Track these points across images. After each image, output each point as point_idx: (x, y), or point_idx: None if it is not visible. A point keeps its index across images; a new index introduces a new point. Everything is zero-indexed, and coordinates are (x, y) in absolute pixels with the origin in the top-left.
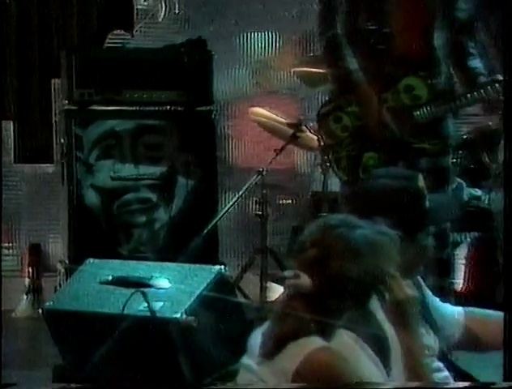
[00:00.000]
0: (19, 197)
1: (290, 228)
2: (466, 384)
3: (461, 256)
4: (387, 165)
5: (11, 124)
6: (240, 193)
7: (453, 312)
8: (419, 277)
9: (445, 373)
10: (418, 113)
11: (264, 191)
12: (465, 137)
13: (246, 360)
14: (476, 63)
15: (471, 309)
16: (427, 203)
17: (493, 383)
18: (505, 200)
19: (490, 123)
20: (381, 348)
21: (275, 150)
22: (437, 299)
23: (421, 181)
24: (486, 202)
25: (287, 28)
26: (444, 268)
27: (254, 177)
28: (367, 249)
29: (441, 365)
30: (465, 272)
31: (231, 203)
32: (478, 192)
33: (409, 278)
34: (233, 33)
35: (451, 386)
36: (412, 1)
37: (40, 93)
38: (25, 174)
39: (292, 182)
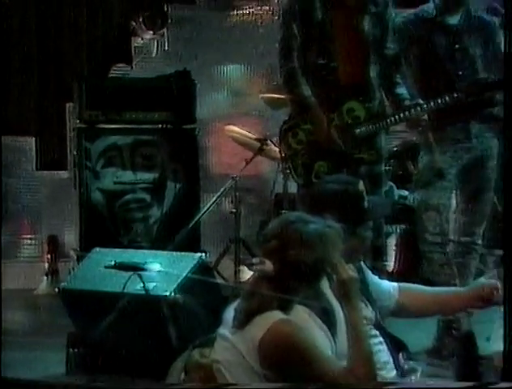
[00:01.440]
0: (40, 197)
1: (258, 223)
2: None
3: (392, 243)
4: (335, 172)
5: (33, 139)
6: (218, 194)
7: (388, 287)
8: (361, 261)
9: (380, 338)
10: (358, 130)
11: (237, 193)
12: (394, 149)
13: (222, 330)
14: (402, 90)
15: (403, 284)
16: (366, 203)
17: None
18: (505, 200)
19: (414, 138)
20: (329, 319)
21: (245, 160)
22: (376, 277)
23: (361, 186)
24: (410, 200)
25: (255, 62)
26: (379, 253)
27: (229, 181)
28: (318, 240)
29: (377, 332)
30: (395, 256)
31: (211, 203)
32: (405, 193)
33: (351, 262)
34: (213, 66)
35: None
36: (352, 41)
37: (57, 114)
38: (44, 179)
39: (260, 186)
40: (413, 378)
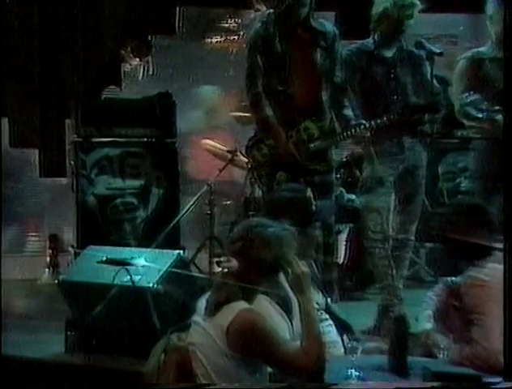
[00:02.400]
0: (43, 201)
1: (230, 223)
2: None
3: (342, 240)
4: (293, 181)
5: (37, 151)
6: (195, 198)
7: None
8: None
9: (330, 321)
10: (312, 145)
11: (212, 197)
12: (344, 160)
13: (196, 317)
14: (348, 112)
15: None
16: (313, 207)
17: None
18: (505, 200)
19: (360, 150)
20: (286, 307)
21: (219, 168)
22: None
23: (309, 192)
24: (357, 203)
25: (227, 84)
26: (330, 248)
27: (205, 187)
28: (275, 241)
29: (327, 316)
30: (345, 250)
31: (189, 205)
32: (353, 197)
33: (303, 259)
34: (191, 87)
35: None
36: (307, 71)
37: (57, 130)
38: (47, 185)
39: (231, 190)
40: (355, 355)
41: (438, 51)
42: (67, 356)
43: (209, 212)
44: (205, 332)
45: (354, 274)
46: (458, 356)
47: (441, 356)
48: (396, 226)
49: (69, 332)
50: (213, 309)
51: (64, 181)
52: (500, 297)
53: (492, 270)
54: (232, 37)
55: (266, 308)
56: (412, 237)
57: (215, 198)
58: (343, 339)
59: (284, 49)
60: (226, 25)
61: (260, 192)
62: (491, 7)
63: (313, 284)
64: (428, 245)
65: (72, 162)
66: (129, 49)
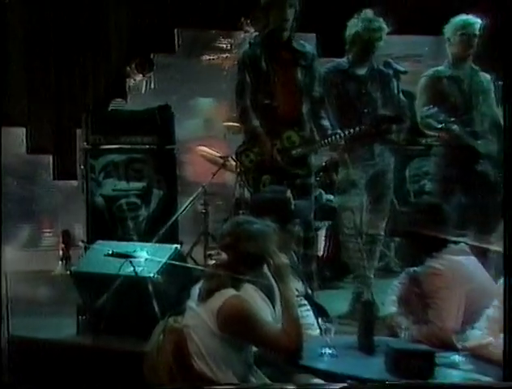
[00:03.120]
0: (56, 201)
1: (222, 220)
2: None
3: (322, 235)
4: (277, 184)
5: (51, 157)
6: (191, 198)
7: None
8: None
9: (308, 306)
10: (294, 152)
11: (206, 197)
12: (323, 164)
13: (190, 302)
14: (326, 123)
15: None
16: (292, 206)
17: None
18: (505, 201)
19: (335, 156)
20: (270, 294)
21: (212, 172)
22: None
23: (288, 193)
24: (334, 202)
25: (220, 97)
26: (310, 243)
27: (200, 188)
28: (259, 236)
29: (306, 301)
30: (324, 245)
31: (186, 205)
32: (331, 197)
33: (284, 252)
34: (188, 100)
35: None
36: (289, 87)
37: (69, 138)
38: (60, 187)
39: (223, 192)
40: (329, 335)
41: (403, 70)
42: (79, 338)
43: (204, 211)
44: (198, 316)
45: (331, 265)
46: (417, 335)
47: (403, 335)
48: (368, 223)
49: (80, 317)
50: (205, 295)
51: (75, 183)
52: (453, 284)
53: (447, 260)
54: (225, 55)
55: (251, 295)
56: (382, 233)
57: (208, 199)
58: (318, 322)
59: (269, 68)
60: (220, 45)
61: (248, 193)
62: (448, 31)
63: (294, 274)
64: (397, 239)
65: (82, 167)
66: (133, 66)
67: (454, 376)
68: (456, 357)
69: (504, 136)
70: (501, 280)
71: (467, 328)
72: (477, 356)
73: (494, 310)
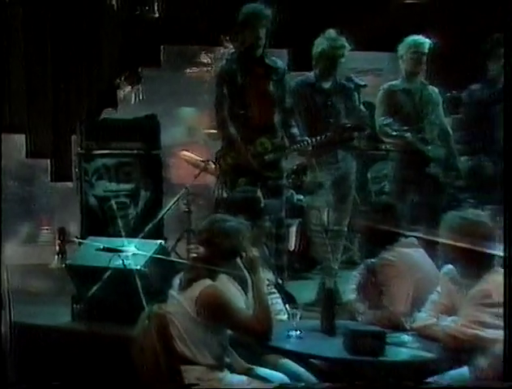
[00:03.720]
0: (54, 200)
1: (204, 218)
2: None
3: (293, 231)
4: (252, 185)
5: (49, 161)
6: (175, 198)
7: None
8: (265, 247)
9: (277, 294)
10: (266, 157)
11: (189, 197)
12: (294, 167)
13: (172, 291)
14: (295, 131)
15: None
16: (262, 204)
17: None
18: (505, 201)
19: (304, 161)
20: (242, 283)
21: (194, 175)
22: None
23: (258, 193)
24: (303, 202)
25: (202, 107)
26: (282, 238)
27: (183, 189)
28: (233, 232)
29: (275, 290)
30: (294, 239)
31: (170, 204)
32: (301, 197)
33: (255, 246)
34: (172, 109)
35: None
36: (262, 98)
37: (65, 144)
38: (57, 188)
39: (205, 192)
40: (296, 319)
41: (363, 84)
42: (73, 324)
43: (187, 210)
44: (179, 303)
45: (301, 258)
46: (372, 318)
47: (360, 319)
48: (332, 220)
49: (74, 305)
50: (185, 285)
51: (70, 185)
52: (403, 273)
53: (398, 252)
54: (206, 69)
55: (226, 284)
56: (345, 229)
57: (191, 199)
58: (287, 308)
59: (244, 81)
60: (201, 59)
61: (227, 194)
62: (401, 49)
63: (265, 266)
64: (358, 235)
65: (77, 170)
66: (123, 78)
67: (403, 353)
68: (405, 337)
69: (504, 136)
70: (444, 268)
71: (414, 311)
72: (423, 335)
73: (437, 295)
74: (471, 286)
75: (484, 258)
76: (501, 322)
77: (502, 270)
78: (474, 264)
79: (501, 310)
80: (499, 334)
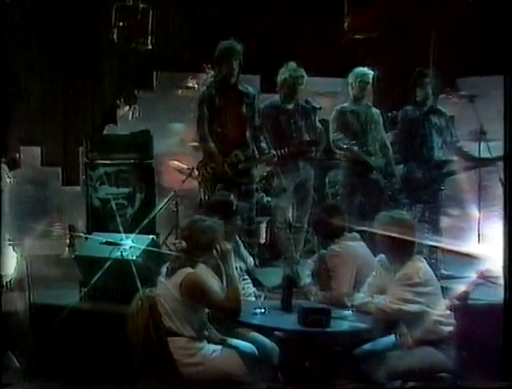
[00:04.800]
0: (64, 202)
1: (189, 216)
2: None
3: (263, 227)
4: (227, 190)
5: (60, 168)
6: (165, 200)
7: (247, 254)
8: (238, 240)
9: (248, 280)
10: (240, 166)
11: (177, 199)
12: (264, 174)
13: (161, 277)
14: (264, 145)
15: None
16: (234, 207)
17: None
18: (505, 201)
19: (271, 169)
20: (218, 271)
21: (181, 180)
22: (243, 249)
23: (232, 197)
24: (271, 203)
25: (189, 123)
26: (253, 233)
27: (172, 193)
28: (209, 230)
29: (246, 276)
30: (264, 235)
31: (161, 205)
32: (269, 199)
33: (228, 240)
34: (164, 125)
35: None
36: (236, 118)
37: (73, 155)
38: (67, 191)
39: (190, 195)
40: (261, 300)
41: (318, 106)
42: (81, 304)
43: (175, 210)
44: (166, 287)
45: (269, 249)
46: (322, 298)
47: (313, 298)
48: (295, 218)
49: (81, 289)
50: (171, 272)
51: (78, 188)
52: (347, 262)
53: (343, 245)
54: (191, 91)
55: (204, 272)
56: (306, 225)
57: (178, 200)
58: (255, 291)
59: (221, 104)
60: (187, 83)
61: (207, 197)
62: (350, 78)
63: (237, 256)
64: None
65: (83, 176)
66: (121, 100)
67: (345, 325)
68: (346, 312)
69: (504, 137)
70: (378, 257)
71: (354, 292)
72: (360, 311)
73: (372, 278)
74: (397, 271)
75: (407, 249)
76: (419, 299)
77: (421, 257)
78: (399, 253)
79: (419, 289)
80: (418, 308)
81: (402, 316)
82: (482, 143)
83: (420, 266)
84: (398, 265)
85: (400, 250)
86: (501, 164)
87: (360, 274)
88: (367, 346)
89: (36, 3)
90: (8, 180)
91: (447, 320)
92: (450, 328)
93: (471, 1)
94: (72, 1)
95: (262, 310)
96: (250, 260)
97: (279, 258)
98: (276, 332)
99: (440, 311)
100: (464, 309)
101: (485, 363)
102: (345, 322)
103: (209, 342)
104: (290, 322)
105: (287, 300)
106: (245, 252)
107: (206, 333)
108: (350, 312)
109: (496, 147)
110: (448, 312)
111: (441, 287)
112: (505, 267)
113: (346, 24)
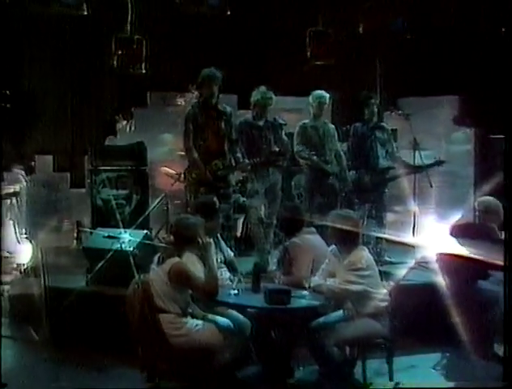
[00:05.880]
0: (72, 202)
1: (177, 214)
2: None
3: (240, 224)
4: (209, 194)
5: (69, 174)
6: (157, 200)
7: (227, 248)
8: (219, 236)
9: (225, 268)
10: (219, 173)
11: (167, 200)
12: (241, 178)
13: (153, 265)
14: (239, 155)
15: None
16: (216, 206)
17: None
18: (506, 202)
19: (246, 175)
20: (201, 260)
21: (171, 184)
22: (223, 244)
23: (215, 199)
24: (246, 203)
25: (177, 135)
26: (231, 228)
27: (163, 194)
28: (192, 226)
29: (224, 265)
30: (241, 229)
31: (154, 204)
32: (244, 199)
33: (210, 236)
34: (156, 136)
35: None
36: (216, 133)
37: (80, 163)
38: (74, 193)
39: (179, 196)
40: (235, 283)
41: (284, 123)
42: (87, 287)
43: (165, 208)
44: (157, 274)
45: (245, 242)
46: (285, 281)
47: (277, 282)
48: (266, 215)
49: (87, 275)
50: (161, 261)
51: (83, 191)
52: (305, 252)
53: (302, 238)
54: (179, 107)
55: (190, 260)
56: (275, 221)
57: (168, 201)
58: (230, 276)
59: (203, 121)
60: (176, 101)
61: (192, 198)
62: (311, 99)
63: (217, 247)
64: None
65: (88, 180)
66: (120, 115)
67: (302, 302)
68: (304, 293)
69: (504, 138)
70: (330, 247)
71: (311, 276)
72: (316, 291)
73: (325, 265)
74: (345, 258)
75: (352, 240)
76: (361, 280)
77: (364, 247)
78: (346, 244)
79: (361, 273)
80: (361, 288)
81: (348, 295)
82: (416, 153)
83: (363, 254)
84: (345, 253)
85: (347, 242)
86: (432, 169)
87: (316, 261)
88: (321, 319)
89: (51, 35)
90: (25, 183)
91: (383, 297)
92: (386, 303)
93: (408, 37)
94: (80, 34)
95: (236, 292)
96: (229, 252)
97: (253, 249)
98: (248, 309)
99: (378, 290)
100: (398, 288)
101: (413, 331)
102: (303, 300)
103: (192, 318)
104: (259, 300)
105: (256, 283)
106: (224, 245)
107: (190, 310)
108: (307, 292)
109: (427, 156)
110: (384, 291)
111: (385, 271)
112: (506, 266)
113: (308, 53)
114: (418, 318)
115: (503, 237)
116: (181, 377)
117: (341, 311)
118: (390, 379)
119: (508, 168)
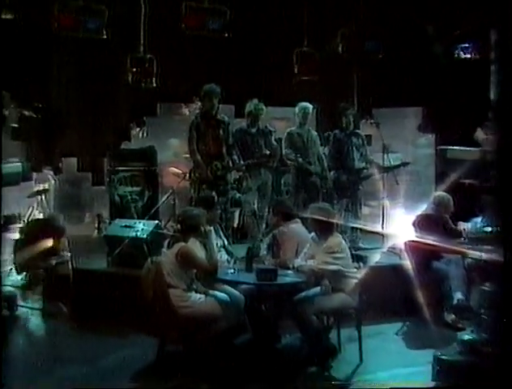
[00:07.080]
0: (92, 198)
1: (182, 207)
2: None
3: (236, 215)
4: (209, 190)
5: (90, 174)
6: (166, 196)
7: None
8: (218, 226)
9: (224, 252)
10: (218, 173)
11: (175, 195)
12: (237, 177)
13: (163, 249)
14: (235, 157)
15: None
16: (215, 201)
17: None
18: (506, 202)
19: (241, 175)
20: (204, 245)
21: (178, 182)
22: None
23: (214, 194)
24: (241, 198)
25: (183, 140)
26: (228, 219)
27: (170, 190)
28: (195, 217)
29: (223, 249)
30: (238, 220)
31: (163, 199)
32: (240, 195)
33: (210, 225)
34: (164, 141)
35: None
36: (215, 139)
37: (100, 164)
38: (95, 190)
39: (184, 192)
40: (231, 264)
41: (274, 130)
42: (108, 269)
43: (173, 202)
44: (167, 256)
45: (240, 230)
46: (273, 262)
47: (267, 263)
48: (258, 208)
49: (108, 258)
50: (170, 245)
51: (103, 188)
52: (291, 238)
53: (288, 227)
54: (185, 117)
55: (194, 245)
56: (266, 214)
57: (176, 196)
58: (228, 259)
59: (205, 129)
60: (182, 111)
61: (196, 194)
62: (296, 109)
63: (216, 235)
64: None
65: (107, 179)
66: (134, 123)
67: (287, 279)
68: (288, 272)
69: (505, 139)
70: (311, 234)
71: (295, 258)
72: (299, 271)
73: (307, 249)
74: (323, 243)
75: (329, 229)
76: (336, 261)
77: (338, 234)
78: (323, 232)
79: (336, 255)
80: (335, 268)
81: (325, 273)
82: (386, 155)
83: (338, 240)
84: (323, 239)
85: (324, 229)
86: (399, 169)
87: (300, 246)
88: (302, 293)
89: (76, 56)
90: (53, 182)
91: (354, 275)
92: (356, 281)
93: (380, 56)
94: (100, 54)
95: (233, 271)
96: (224, 239)
97: (247, 236)
98: (242, 285)
99: (350, 270)
100: (368, 269)
101: (379, 304)
102: (288, 277)
103: (196, 292)
104: (251, 278)
105: (249, 264)
106: (222, 233)
107: (194, 286)
108: (291, 271)
109: (396, 158)
110: (355, 270)
111: (359, 255)
112: (505, 266)
113: (295, 70)
114: (384, 292)
115: (455, 227)
116: (187, 342)
117: (319, 287)
118: (360, 344)
119: (504, 167)
